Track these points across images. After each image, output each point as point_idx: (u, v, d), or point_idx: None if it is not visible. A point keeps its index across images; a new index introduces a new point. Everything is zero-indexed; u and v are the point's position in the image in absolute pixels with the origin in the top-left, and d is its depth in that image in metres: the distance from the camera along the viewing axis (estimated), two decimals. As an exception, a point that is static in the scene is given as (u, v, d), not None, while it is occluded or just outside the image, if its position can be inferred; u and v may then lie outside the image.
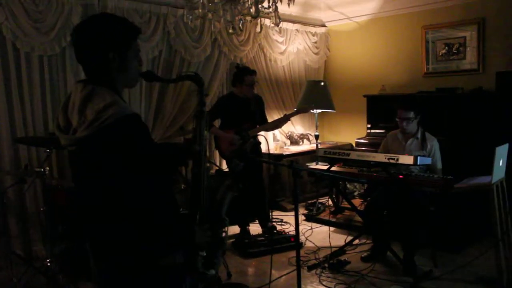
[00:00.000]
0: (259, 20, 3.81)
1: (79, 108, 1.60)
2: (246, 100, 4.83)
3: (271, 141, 6.49)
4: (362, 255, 4.26)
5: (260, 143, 5.02)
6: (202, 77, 4.12)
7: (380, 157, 3.81)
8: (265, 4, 3.46)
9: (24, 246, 4.31)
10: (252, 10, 3.29)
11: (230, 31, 3.59)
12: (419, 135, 4.13)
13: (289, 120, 5.14)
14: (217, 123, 5.04)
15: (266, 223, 5.03)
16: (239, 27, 3.57)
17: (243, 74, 4.75)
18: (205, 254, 1.88)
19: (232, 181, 2.07)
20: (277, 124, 5.00)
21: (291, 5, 3.81)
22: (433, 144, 4.09)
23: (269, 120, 5.23)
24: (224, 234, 2.01)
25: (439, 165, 4.07)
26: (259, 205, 5.04)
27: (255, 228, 5.15)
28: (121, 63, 1.69)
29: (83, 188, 1.72)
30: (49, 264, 3.61)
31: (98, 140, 1.55)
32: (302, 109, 5.24)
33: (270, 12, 3.50)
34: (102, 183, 1.62)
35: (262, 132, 4.90)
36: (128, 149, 1.56)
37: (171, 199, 1.74)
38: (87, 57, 1.69)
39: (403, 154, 4.05)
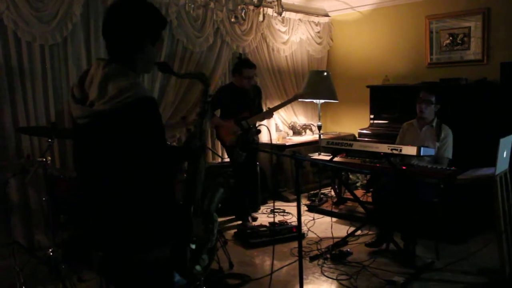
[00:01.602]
0: (261, 9, 3.78)
1: (100, 83, 1.62)
2: (245, 90, 4.88)
3: (274, 132, 6.48)
4: (366, 242, 4.27)
5: (260, 131, 5.03)
6: (205, 66, 4.17)
7: (383, 148, 3.79)
8: (268, -7, 3.43)
9: (27, 235, 4.31)
10: (255, -2, 3.26)
11: (233, 20, 3.56)
12: (434, 124, 4.15)
13: (286, 105, 5.21)
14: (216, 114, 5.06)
15: (246, 216, 5.07)
16: (242, 16, 3.54)
17: (242, 66, 4.81)
18: (193, 247, 1.89)
19: (224, 179, 2.11)
20: (274, 110, 5.08)
21: (294, -6, 3.80)
22: (448, 133, 4.11)
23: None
24: (215, 231, 2.02)
25: (447, 154, 4.06)
26: (250, 194, 5.12)
27: (258, 219, 5.17)
28: (149, 50, 1.75)
29: (88, 163, 1.73)
30: (51, 253, 3.61)
31: (116, 116, 1.58)
32: (300, 95, 5.26)
33: (273, 1, 3.46)
34: (111, 159, 1.63)
35: (264, 122, 4.91)
36: (143, 129, 1.60)
37: (172, 189, 1.74)
38: (122, 37, 1.70)
39: (418, 141, 4.07)
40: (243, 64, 4.84)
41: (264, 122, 5.07)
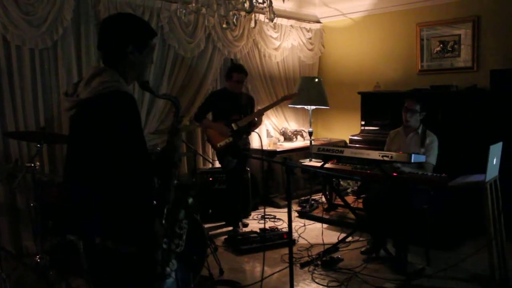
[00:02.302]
0: (253, 16, 3.77)
1: (88, 79, 1.82)
2: (236, 94, 4.91)
3: (265, 137, 6.47)
4: (362, 249, 4.28)
5: (249, 132, 5.03)
6: (196, 71, 4.05)
7: (374, 155, 3.79)
8: (260, -1, 3.43)
9: (15, 242, 4.25)
10: (246, 5, 3.25)
11: (224, 26, 3.54)
12: (419, 131, 4.18)
13: (274, 107, 5.35)
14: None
15: (236, 222, 5.03)
16: (233, 22, 3.52)
17: (232, 71, 4.87)
18: (165, 247, 1.97)
19: (193, 198, 2.14)
20: (263, 111, 5.08)
21: (286, 1, 3.79)
22: (432, 139, 4.13)
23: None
24: (183, 237, 2.07)
25: (431, 160, 4.06)
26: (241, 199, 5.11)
27: (248, 225, 5.15)
28: (136, 58, 1.91)
29: (73, 153, 1.89)
30: (39, 260, 3.56)
31: (98, 103, 1.75)
32: (288, 96, 5.30)
33: (265, 7, 3.46)
34: (92, 148, 1.77)
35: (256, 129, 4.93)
36: (122, 120, 1.75)
37: (147, 187, 1.84)
38: (109, 45, 1.91)
39: (404, 147, 4.11)
40: (233, 68, 4.91)
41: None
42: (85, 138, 1.80)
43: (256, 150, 5.86)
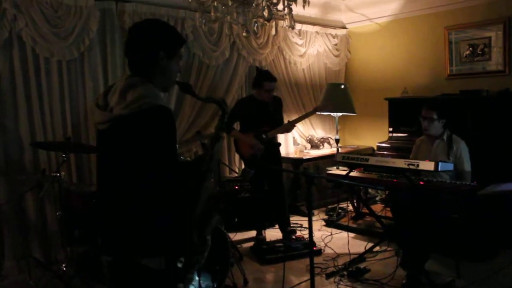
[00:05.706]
0: (274, 23, 3.75)
1: (121, 91, 1.76)
2: (265, 102, 4.77)
3: (291, 145, 6.42)
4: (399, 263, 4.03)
5: (279, 144, 4.92)
6: (221, 79, 4.02)
7: (400, 163, 3.69)
8: (280, 7, 3.39)
9: (43, 250, 4.33)
10: (265, 12, 3.22)
11: (244, 34, 3.54)
12: (445, 137, 4.02)
13: (305, 119, 5.17)
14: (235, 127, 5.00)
15: (285, 227, 4.97)
16: (254, 30, 3.51)
17: (263, 79, 4.69)
18: (182, 263, 1.91)
19: (225, 205, 2.09)
20: (294, 122, 4.91)
21: (310, 7, 3.71)
22: (460, 146, 3.96)
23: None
24: (205, 254, 2.00)
25: (467, 167, 3.91)
26: (279, 209, 4.99)
27: (273, 234, 5.09)
28: (166, 65, 1.86)
29: (105, 168, 1.86)
30: (64, 268, 3.61)
31: (133, 120, 1.70)
32: (319, 108, 5.09)
33: (285, 14, 3.43)
34: (126, 163, 1.74)
35: (282, 135, 4.84)
36: (158, 136, 1.71)
37: (178, 201, 1.82)
38: (138, 52, 1.86)
39: (431, 156, 3.97)
40: (264, 77, 4.71)
41: (282, 136, 4.97)
42: (121, 153, 1.76)
43: (281, 158, 5.81)
